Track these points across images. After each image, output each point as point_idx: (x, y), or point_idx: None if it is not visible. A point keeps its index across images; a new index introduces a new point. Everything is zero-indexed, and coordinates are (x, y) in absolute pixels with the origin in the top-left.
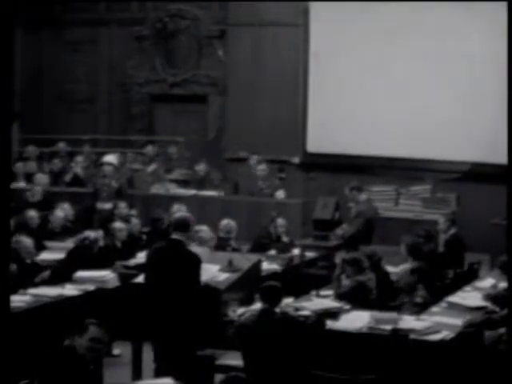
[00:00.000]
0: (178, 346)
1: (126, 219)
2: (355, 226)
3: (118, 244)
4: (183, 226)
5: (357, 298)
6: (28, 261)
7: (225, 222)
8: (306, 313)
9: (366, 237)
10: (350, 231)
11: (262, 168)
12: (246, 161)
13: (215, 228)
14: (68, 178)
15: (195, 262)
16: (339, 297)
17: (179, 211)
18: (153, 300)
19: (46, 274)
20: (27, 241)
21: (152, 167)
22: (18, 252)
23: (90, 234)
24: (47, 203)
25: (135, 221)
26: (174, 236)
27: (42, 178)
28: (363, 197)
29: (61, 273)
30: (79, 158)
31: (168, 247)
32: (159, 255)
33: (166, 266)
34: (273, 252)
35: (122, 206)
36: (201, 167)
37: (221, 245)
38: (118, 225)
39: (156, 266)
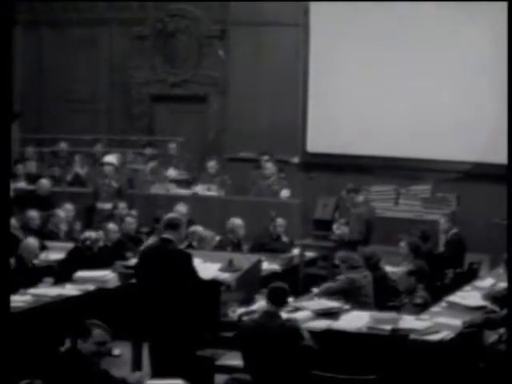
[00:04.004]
0: (176, 346)
1: (121, 219)
2: (357, 231)
3: (109, 244)
4: (173, 225)
5: (345, 294)
6: (29, 264)
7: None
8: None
9: (364, 238)
10: (351, 235)
11: (268, 167)
12: (258, 162)
13: (215, 228)
14: (69, 177)
15: (184, 259)
16: (328, 293)
17: (178, 211)
18: (148, 299)
19: (49, 280)
20: (33, 243)
21: (150, 165)
22: (21, 253)
23: (91, 234)
24: (49, 203)
25: (130, 220)
26: (165, 235)
27: (45, 184)
28: (361, 198)
29: (61, 273)
30: (78, 158)
31: (158, 246)
32: (149, 254)
33: (155, 265)
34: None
35: (122, 207)
36: (212, 164)
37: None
38: (111, 226)
39: (147, 265)
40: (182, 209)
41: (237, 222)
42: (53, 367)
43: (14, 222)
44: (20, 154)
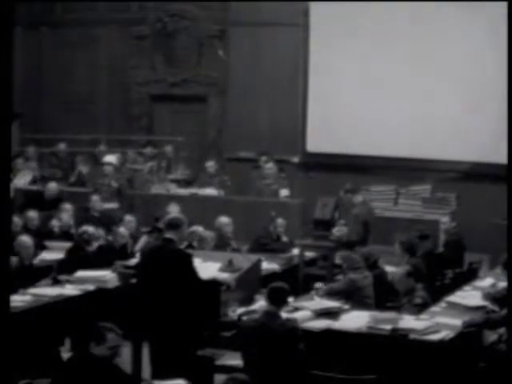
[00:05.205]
0: (176, 346)
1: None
2: (355, 232)
3: (116, 246)
4: (174, 225)
5: (346, 295)
6: (27, 262)
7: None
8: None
9: (362, 238)
10: (349, 236)
11: (269, 167)
12: (257, 162)
13: (215, 228)
14: (73, 179)
15: (185, 259)
16: (329, 293)
17: (172, 211)
18: (148, 299)
19: (48, 281)
20: (27, 241)
21: (149, 164)
22: (18, 252)
23: (88, 228)
24: (51, 203)
25: (130, 218)
26: (167, 235)
27: (53, 188)
28: (359, 199)
29: (61, 273)
30: (80, 158)
31: (159, 246)
32: (151, 254)
33: (156, 264)
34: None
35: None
36: (210, 164)
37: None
38: (121, 230)
39: (148, 265)
40: (173, 209)
41: (223, 220)
42: (66, 372)
43: (17, 220)
44: (20, 152)
